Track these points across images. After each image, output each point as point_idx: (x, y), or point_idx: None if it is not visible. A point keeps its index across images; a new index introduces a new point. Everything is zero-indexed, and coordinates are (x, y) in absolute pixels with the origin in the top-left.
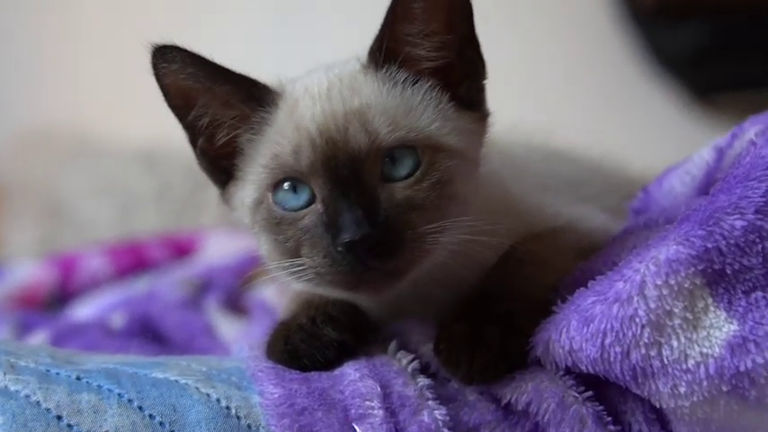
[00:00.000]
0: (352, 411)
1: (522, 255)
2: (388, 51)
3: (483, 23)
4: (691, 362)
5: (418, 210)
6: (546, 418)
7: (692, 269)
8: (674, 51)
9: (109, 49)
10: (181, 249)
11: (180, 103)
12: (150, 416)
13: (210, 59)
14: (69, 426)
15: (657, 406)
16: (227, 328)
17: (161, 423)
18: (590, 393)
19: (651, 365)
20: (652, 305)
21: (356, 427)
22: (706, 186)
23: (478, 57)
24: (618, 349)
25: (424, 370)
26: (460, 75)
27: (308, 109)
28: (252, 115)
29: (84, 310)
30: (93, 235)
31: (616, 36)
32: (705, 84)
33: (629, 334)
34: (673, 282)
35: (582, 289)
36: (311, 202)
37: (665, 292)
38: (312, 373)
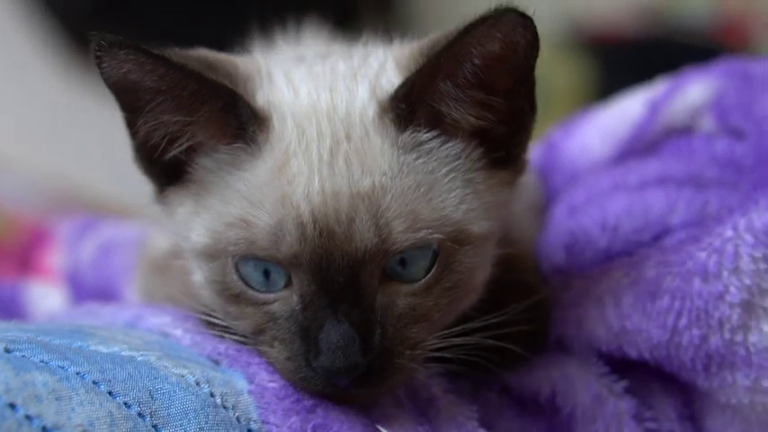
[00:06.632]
0: (376, 409)
1: None
2: (415, 107)
3: None
4: None
5: (422, 322)
6: (576, 414)
7: None
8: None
9: None
10: None
11: (127, 104)
12: (125, 404)
13: (173, 57)
14: (28, 418)
15: (723, 401)
16: None
17: (140, 414)
18: (626, 384)
19: (733, 353)
20: (747, 281)
21: (381, 429)
22: (634, 146)
23: (529, 102)
24: (696, 332)
25: None
26: (504, 128)
27: (301, 174)
28: (221, 142)
29: None
30: None
31: None
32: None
33: (716, 315)
34: None
35: (634, 255)
36: (286, 285)
37: (762, 266)
38: None
